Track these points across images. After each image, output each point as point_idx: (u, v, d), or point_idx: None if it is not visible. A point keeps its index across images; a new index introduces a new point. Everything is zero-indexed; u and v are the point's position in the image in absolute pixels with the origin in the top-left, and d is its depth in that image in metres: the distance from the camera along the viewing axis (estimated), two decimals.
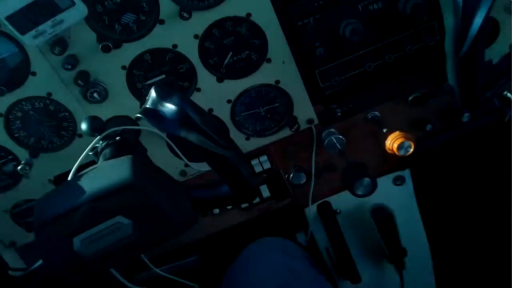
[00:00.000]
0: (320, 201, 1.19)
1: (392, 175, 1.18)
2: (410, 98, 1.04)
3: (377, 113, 1.06)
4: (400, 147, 0.98)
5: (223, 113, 1.01)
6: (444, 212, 1.47)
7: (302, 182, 1.10)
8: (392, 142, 0.99)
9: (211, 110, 1.00)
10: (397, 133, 1.00)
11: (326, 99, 1.05)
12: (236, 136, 1.04)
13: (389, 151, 1.02)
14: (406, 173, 1.18)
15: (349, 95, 1.04)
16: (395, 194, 1.19)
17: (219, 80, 0.97)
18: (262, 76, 0.99)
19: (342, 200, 1.20)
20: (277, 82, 0.99)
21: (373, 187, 0.99)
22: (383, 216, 1.17)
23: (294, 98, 1.01)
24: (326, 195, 1.19)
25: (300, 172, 1.08)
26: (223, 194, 0.74)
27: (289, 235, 1.30)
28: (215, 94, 0.99)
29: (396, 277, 1.25)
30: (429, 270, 1.39)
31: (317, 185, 1.16)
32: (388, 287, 1.33)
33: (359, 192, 1.00)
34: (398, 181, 1.18)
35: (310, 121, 1.04)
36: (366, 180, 0.99)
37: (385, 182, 1.18)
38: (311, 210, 1.20)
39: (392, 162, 1.15)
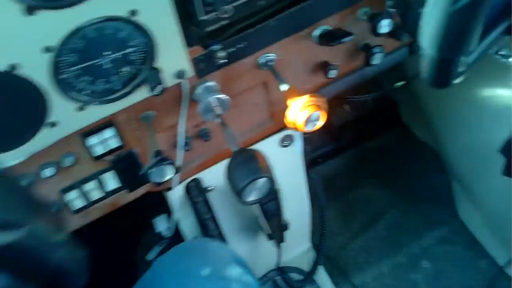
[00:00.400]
0: (189, 179, 0.86)
1: (280, 135, 0.88)
2: (318, 34, 0.75)
3: (271, 55, 0.74)
4: (307, 120, 0.64)
5: (38, 70, 0.54)
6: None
7: (164, 180, 0.67)
8: (297, 113, 0.65)
9: (14, 66, 0.52)
10: (304, 99, 0.64)
11: (206, 38, 0.67)
12: (65, 105, 0.59)
13: (288, 124, 0.67)
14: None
15: (238, 31, 0.69)
16: (280, 157, 0.93)
17: (30, 10, 0.50)
18: (106, 3, 0.55)
19: (217, 173, 0.87)
20: (134, 13, 0.56)
21: (270, 187, 0.61)
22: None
23: (160, 39, 0.60)
24: (198, 170, 0.85)
25: (164, 165, 0.64)
26: None
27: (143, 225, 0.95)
28: (21, 37, 0.51)
29: (273, 249, 1.06)
30: (307, 237, 1.25)
31: (186, 158, 0.82)
32: (265, 259, 1.15)
33: (251, 199, 0.60)
34: (286, 141, 0.91)
35: (181, 74, 0.65)
36: (260, 181, 0.59)
37: (271, 144, 0.88)
38: (176, 192, 0.85)
39: (282, 120, 0.85)
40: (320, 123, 0.68)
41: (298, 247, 1.21)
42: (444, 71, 0.46)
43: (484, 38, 0.49)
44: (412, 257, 1.40)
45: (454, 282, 1.34)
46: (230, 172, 0.62)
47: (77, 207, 0.72)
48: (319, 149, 1.67)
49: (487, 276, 1.33)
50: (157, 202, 0.88)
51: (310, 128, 0.67)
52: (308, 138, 1.64)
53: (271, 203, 0.90)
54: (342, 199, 1.55)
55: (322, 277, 1.24)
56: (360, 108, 1.68)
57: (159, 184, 0.69)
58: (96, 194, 0.73)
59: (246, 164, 0.62)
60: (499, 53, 0.67)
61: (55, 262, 0.38)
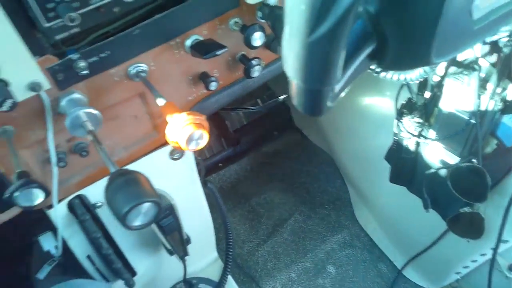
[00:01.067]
0: (72, 196, 0.78)
1: (168, 147, 0.80)
2: (189, 44, 0.69)
3: (142, 65, 0.68)
4: (189, 139, 0.57)
5: None
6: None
7: (36, 203, 0.58)
8: (176, 131, 0.57)
9: None
10: (183, 116, 0.57)
11: (58, 46, 0.60)
12: None
13: (171, 143, 0.59)
14: None
15: (99, 39, 0.62)
16: (172, 170, 0.84)
17: None
18: None
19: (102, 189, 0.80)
20: None
21: (157, 211, 0.52)
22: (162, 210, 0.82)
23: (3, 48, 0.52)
24: (81, 186, 0.76)
25: (30, 187, 0.54)
26: None
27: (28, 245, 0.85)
28: None
29: (178, 262, 0.99)
30: (213, 247, 1.18)
31: (65, 175, 0.74)
32: (172, 271, 1.07)
33: (136, 224, 0.52)
34: (176, 154, 0.83)
35: (34, 86, 0.58)
36: (145, 206, 0.51)
37: (160, 157, 0.80)
38: (58, 211, 0.77)
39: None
40: (203, 142, 0.59)
41: (205, 257, 1.14)
42: (313, 100, 0.41)
43: (348, 66, 0.44)
44: (318, 262, 1.38)
45: (358, 286, 1.33)
46: (110, 196, 0.53)
47: None
48: (219, 154, 1.63)
49: (387, 279, 1.34)
50: (41, 218, 0.80)
51: (193, 147, 0.59)
52: (207, 144, 1.60)
53: (167, 219, 0.84)
54: (246, 204, 1.51)
55: (232, 286, 1.19)
56: (253, 112, 1.67)
57: (30, 208, 0.61)
58: None
59: (127, 187, 0.53)
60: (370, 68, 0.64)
61: None
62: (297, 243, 1.42)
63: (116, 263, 0.80)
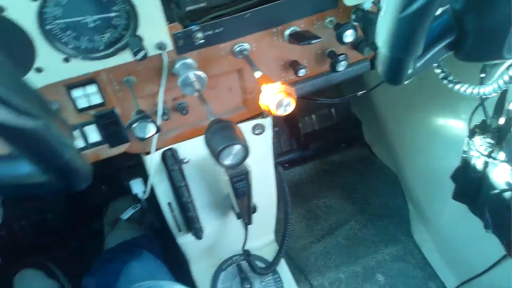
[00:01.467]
0: (166, 148, 0.89)
1: (252, 122, 0.91)
2: (288, 33, 0.79)
3: (246, 45, 0.78)
4: (279, 105, 0.66)
5: (25, 16, 0.57)
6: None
7: (147, 136, 0.70)
8: (269, 97, 0.66)
9: (2, 9, 0.58)
10: (276, 85, 0.66)
11: (185, 17, 0.72)
12: (51, 54, 0.62)
13: (263, 107, 0.69)
14: (267, 121, 0.92)
15: (216, 17, 0.74)
16: (252, 144, 0.94)
17: None
18: None
19: (192, 148, 0.88)
20: None
21: (244, 155, 0.62)
22: (238, 173, 0.89)
23: (141, 8, 0.62)
24: (175, 140, 0.87)
25: (146, 121, 0.67)
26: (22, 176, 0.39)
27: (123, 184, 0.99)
28: None
29: (240, 229, 1.07)
30: (272, 229, 1.25)
31: (164, 128, 0.86)
32: (231, 242, 1.16)
33: (227, 162, 0.62)
34: (258, 129, 0.93)
35: (161, 45, 0.70)
36: (236, 147, 0.60)
37: (243, 130, 0.91)
38: (153, 158, 0.89)
39: (254, 108, 0.86)
40: (290, 109, 0.68)
41: (262, 237, 1.21)
42: (395, 68, 0.49)
43: (429, 49, 0.52)
44: (368, 269, 1.39)
45: None
46: (209, 137, 0.63)
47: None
48: (286, 155, 1.70)
49: None
50: (134, 165, 0.93)
51: (281, 112, 0.68)
52: (277, 143, 1.67)
53: (242, 182, 0.91)
54: (305, 205, 1.56)
55: (284, 269, 1.25)
56: (326, 119, 1.71)
57: (142, 139, 0.72)
58: (79, 143, 0.76)
59: (224, 131, 0.62)
60: (448, 79, 0.68)
61: (66, 158, 0.40)
62: (350, 248, 1.45)
63: (192, 212, 0.90)
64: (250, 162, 0.93)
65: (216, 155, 0.61)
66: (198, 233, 0.95)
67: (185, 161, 0.90)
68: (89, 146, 0.77)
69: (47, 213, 1.37)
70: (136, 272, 0.96)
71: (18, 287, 1.24)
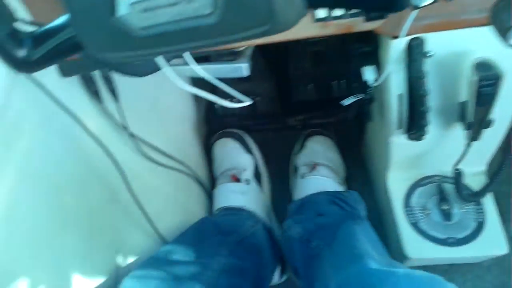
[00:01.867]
0: (415, 35, 0.85)
1: None
2: None
3: None
4: None
5: None
6: None
7: (423, 4, 0.56)
8: None
9: None
10: None
11: None
12: None
13: None
14: None
15: None
16: (508, 52, 0.76)
17: None
18: None
19: (442, 41, 0.82)
20: None
21: None
22: (490, 76, 0.79)
23: None
24: (426, 29, 0.80)
25: None
26: None
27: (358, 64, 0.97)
28: None
29: (460, 143, 0.99)
30: (486, 159, 1.12)
31: (421, 13, 0.79)
32: (444, 152, 1.10)
33: None
34: None
35: None
36: None
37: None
38: (399, 44, 0.86)
39: None
40: None
41: (473, 164, 1.09)
42: None
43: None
44: None
45: None
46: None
47: (319, 17, 0.76)
48: None
49: None
50: (369, 52, 0.90)
51: None
52: None
53: (490, 88, 0.81)
54: None
55: (490, 203, 1.14)
56: None
57: (415, 7, 0.67)
58: (338, 11, 0.76)
59: None
60: None
61: None
62: None
63: (425, 107, 0.86)
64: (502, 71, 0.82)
65: (504, 32, 0.54)
66: (421, 131, 0.91)
67: (428, 54, 0.84)
68: (347, 16, 0.77)
69: (257, 96, 1.49)
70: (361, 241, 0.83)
71: (216, 152, 1.39)
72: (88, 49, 0.35)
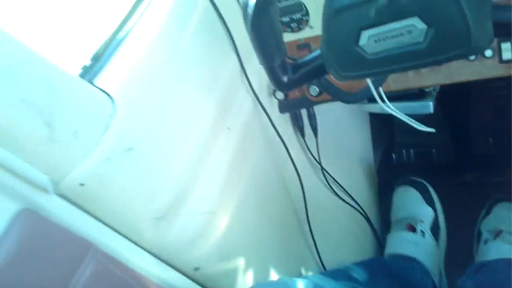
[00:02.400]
0: None
1: None
2: None
3: None
4: None
5: None
6: None
7: None
8: None
9: None
10: None
11: None
12: None
13: None
14: None
15: None
16: None
17: None
18: None
19: None
20: None
21: None
22: None
23: None
24: None
25: None
26: None
27: None
28: None
29: None
30: None
31: None
32: None
33: None
34: None
35: None
36: None
37: None
38: None
39: None
40: None
41: None
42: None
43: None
44: None
45: None
46: None
47: (506, 58, 0.80)
48: None
49: None
50: None
51: None
52: None
53: None
54: None
55: None
56: None
57: None
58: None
59: None
60: None
61: None
62: None
63: None
64: None
65: None
66: None
67: None
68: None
69: (432, 148, 1.53)
70: None
71: (396, 197, 1.44)
72: (332, 71, 0.53)
